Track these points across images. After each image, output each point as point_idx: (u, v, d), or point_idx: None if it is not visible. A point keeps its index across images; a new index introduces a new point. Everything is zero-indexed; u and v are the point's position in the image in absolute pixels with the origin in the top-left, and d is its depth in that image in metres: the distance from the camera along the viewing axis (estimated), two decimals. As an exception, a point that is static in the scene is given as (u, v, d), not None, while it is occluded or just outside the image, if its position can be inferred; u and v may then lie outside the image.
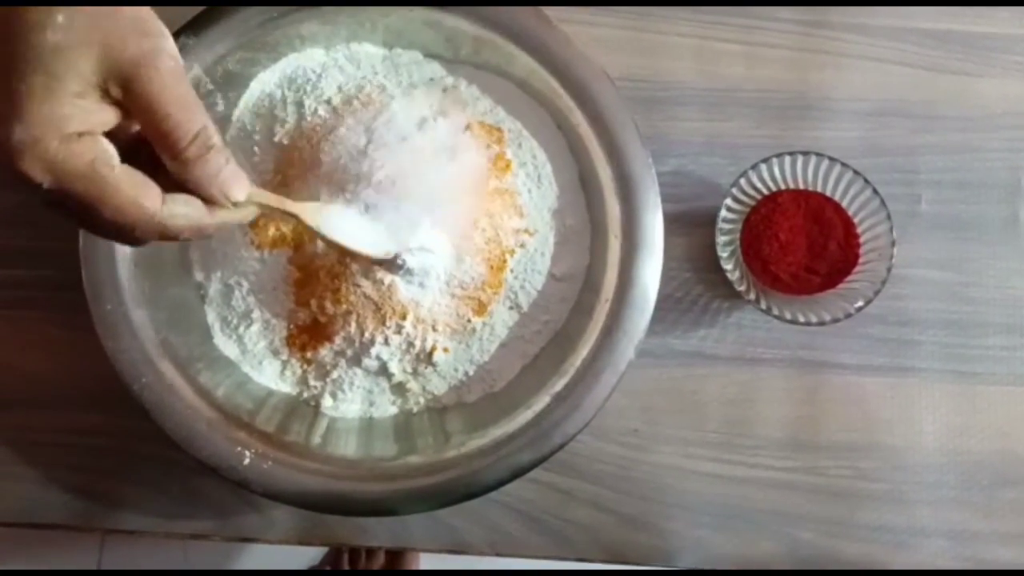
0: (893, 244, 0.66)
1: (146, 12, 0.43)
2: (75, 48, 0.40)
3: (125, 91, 0.41)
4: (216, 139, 0.44)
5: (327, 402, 0.66)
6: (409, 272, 0.62)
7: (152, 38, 0.42)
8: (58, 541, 1.30)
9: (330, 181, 0.63)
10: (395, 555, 1.33)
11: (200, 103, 0.44)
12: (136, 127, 0.43)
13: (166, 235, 0.44)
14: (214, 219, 0.46)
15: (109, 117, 0.42)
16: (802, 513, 0.71)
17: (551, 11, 0.66)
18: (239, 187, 0.46)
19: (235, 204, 0.46)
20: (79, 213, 0.42)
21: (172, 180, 0.44)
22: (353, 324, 0.63)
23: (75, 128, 0.40)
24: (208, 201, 0.45)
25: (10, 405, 0.69)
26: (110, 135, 0.42)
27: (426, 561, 1.34)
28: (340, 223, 0.57)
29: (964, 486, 0.72)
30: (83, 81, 0.40)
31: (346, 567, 1.32)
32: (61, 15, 0.39)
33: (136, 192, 0.42)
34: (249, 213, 0.49)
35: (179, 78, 0.43)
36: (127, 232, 0.43)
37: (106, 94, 0.41)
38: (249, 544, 1.33)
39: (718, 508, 0.71)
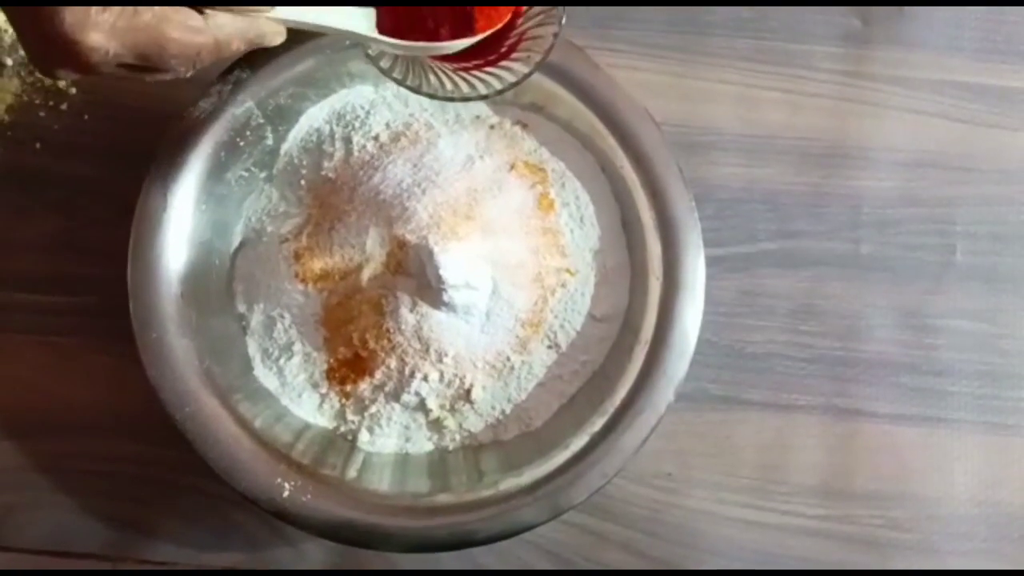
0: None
1: None
2: None
3: None
4: None
5: (364, 437, 0.66)
6: (452, 308, 0.62)
7: None
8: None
9: (376, 216, 0.63)
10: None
11: None
12: None
13: (222, 50, 0.48)
14: (254, 26, 0.49)
15: None
16: (833, 561, 0.70)
17: (595, 56, 0.67)
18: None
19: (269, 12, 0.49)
20: (150, 58, 0.46)
21: None
22: (394, 359, 0.63)
23: None
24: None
25: (48, 431, 0.69)
26: None
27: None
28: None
29: (995, 538, 0.72)
30: None
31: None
32: None
33: (181, 16, 0.46)
34: (279, 32, 0.51)
35: None
36: (192, 58, 0.47)
37: None
38: None
39: (750, 554, 0.70)
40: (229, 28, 0.48)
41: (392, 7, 0.55)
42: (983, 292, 0.74)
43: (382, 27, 0.54)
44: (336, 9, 0.53)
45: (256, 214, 0.68)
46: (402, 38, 0.55)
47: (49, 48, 0.45)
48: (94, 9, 0.43)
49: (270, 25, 0.50)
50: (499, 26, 0.56)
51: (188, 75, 0.50)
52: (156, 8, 0.45)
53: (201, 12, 0.47)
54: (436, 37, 0.55)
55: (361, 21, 0.54)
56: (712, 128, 0.75)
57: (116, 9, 0.44)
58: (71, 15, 0.43)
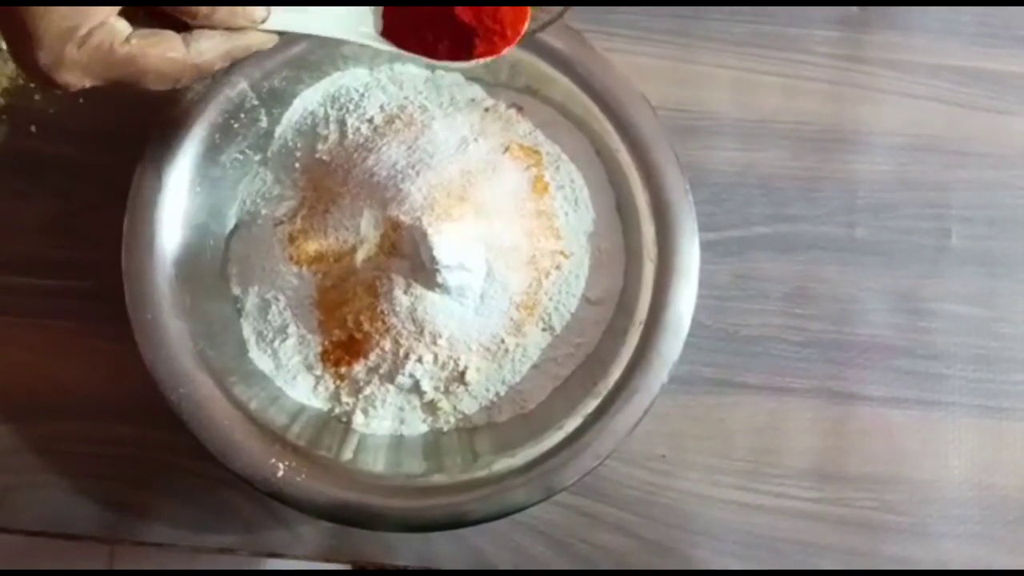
0: None
1: None
2: None
3: None
4: None
5: (359, 419, 0.66)
6: (447, 290, 0.62)
7: None
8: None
9: (370, 198, 0.63)
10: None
11: None
12: None
13: (204, 72, 0.48)
14: (240, 43, 0.49)
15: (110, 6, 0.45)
16: (826, 544, 0.71)
17: (592, 39, 0.67)
18: (259, 11, 0.49)
19: (261, 24, 0.49)
20: (128, 86, 0.46)
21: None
22: (388, 341, 0.63)
23: (84, 30, 0.44)
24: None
25: (42, 414, 0.69)
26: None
27: None
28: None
29: (988, 521, 0.72)
30: None
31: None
32: None
33: (161, 49, 0.46)
34: (270, 39, 0.51)
35: None
36: (173, 85, 0.47)
37: None
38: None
39: (743, 537, 0.70)
40: (210, 54, 0.48)
41: (396, 14, 0.54)
42: (978, 276, 0.75)
43: (383, 28, 0.54)
44: (327, 14, 0.53)
45: (251, 196, 0.68)
46: (401, 45, 0.54)
47: (34, 75, 0.45)
48: (67, 47, 0.43)
49: (258, 36, 0.50)
50: (499, 55, 0.55)
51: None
52: (134, 42, 0.45)
53: (188, 30, 0.46)
54: (433, 52, 0.55)
55: (359, 24, 0.54)
56: (708, 112, 0.75)
57: (92, 45, 0.44)
58: (45, 55, 0.43)
